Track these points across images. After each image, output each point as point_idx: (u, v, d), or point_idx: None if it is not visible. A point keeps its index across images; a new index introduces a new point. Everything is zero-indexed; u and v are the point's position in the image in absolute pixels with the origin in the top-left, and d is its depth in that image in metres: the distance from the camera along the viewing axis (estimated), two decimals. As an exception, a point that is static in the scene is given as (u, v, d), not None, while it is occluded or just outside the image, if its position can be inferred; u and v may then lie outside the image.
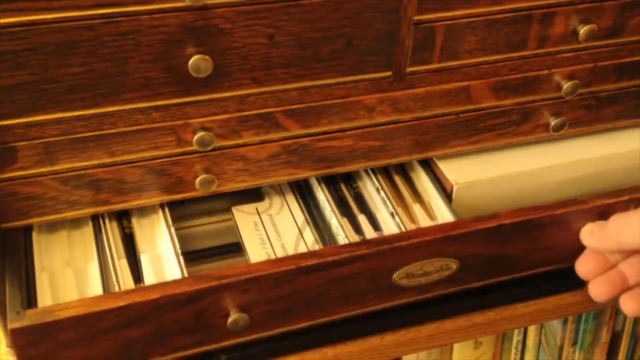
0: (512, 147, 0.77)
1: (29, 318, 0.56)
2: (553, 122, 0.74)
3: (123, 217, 0.69)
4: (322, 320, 0.66)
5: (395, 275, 0.65)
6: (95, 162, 0.62)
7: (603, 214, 0.68)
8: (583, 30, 0.68)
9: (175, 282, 0.60)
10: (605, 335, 0.94)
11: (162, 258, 0.67)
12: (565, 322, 0.91)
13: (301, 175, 0.69)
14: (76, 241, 0.68)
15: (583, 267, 0.69)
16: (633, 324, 0.94)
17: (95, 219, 0.69)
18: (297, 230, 0.71)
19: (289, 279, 0.61)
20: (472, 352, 0.90)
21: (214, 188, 0.67)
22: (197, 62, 0.58)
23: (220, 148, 0.65)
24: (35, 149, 0.59)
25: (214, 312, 0.61)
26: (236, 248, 0.70)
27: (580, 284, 0.75)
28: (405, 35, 0.63)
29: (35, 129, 0.58)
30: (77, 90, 0.57)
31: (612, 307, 0.91)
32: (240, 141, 0.65)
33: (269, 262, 0.62)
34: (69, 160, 0.61)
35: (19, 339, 0.56)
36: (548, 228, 0.68)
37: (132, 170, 0.64)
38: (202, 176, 0.65)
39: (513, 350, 0.93)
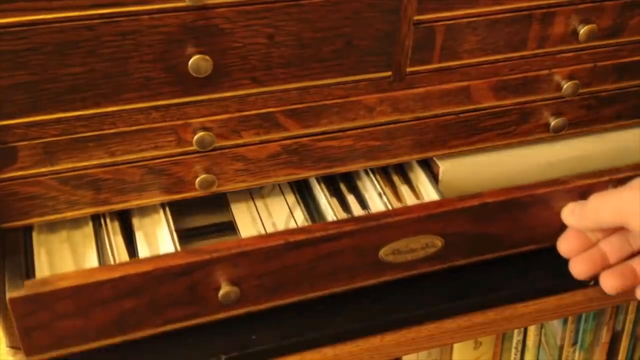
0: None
1: (27, 288, 0.58)
2: (553, 122, 0.74)
3: (124, 217, 0.69)
4: (311, 295, 0.67)
5: (381, 251, 0.66)
6: (95, 162, 0.62)
7: (584, 194, 0.69)
8: (583, 30, 0.68)
9: (168, 255, 0.62)
10: (605, 335, 0.94)
11: (157, 235, 0.68)
12: (565, 322, 0.91)
13: (301, 175, 0.70)
14: (76, 241, 0.68)
15: (564, 245, 0.70)
16: (633, 324, 0.94)
17: (96, 219, 0.69)
18: (288, 210, 0.73)
19: (278, 254, 0.63)
20: (472, 352, 0.90)
21: (214, 188, 0.67)
22: (197, 62, 0.58)
23: (221, 148, 0.65)
24: (35, 149, 0.59)
25: (205, 285, 0.62)
26: (229, 227, 0.71)
27: (580, 284, 0.75)
28: (405, 35, 0.63)
29: (35, 129, 0.59)
30: (77, 90, 0.57)
31: (612, 307, 0.91)
32: (240, 141, 0.65)
33: (258, 237, 0.63)
34: (69, 160, 0.61)
35: (18, 309, 0.58)
36: (531, 207, 0.70)
37: (132, 170, 0.64)
38: (202, 176, 0.65)
39: (513, 350, 0.93)
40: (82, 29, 0.54)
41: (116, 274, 0.59)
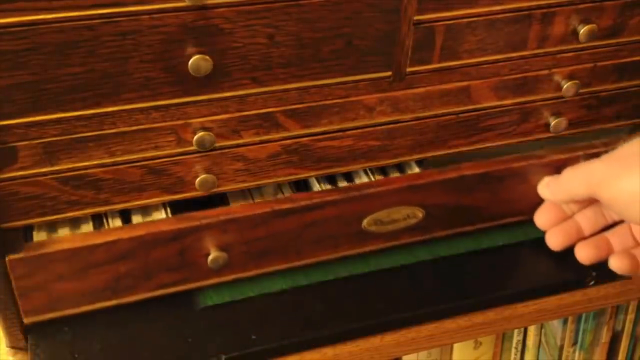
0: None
1: (26, 251, 0.61)
2: (553, 122, 0.74)
3: (125, 216, 0.69)
4: (298, 263, 0.71)
5: (364, 221, 0.69)
6: (95, 162, 0.62)
7: (559, 168, 0.71)
8: (583, 30, 0.68)
9: (159, 221, 0.65)
10: (605, 335, 0.94)
11: (151, 207, 0.69)
12: (565, 322, 0.91)
13: (301, 175, 0.69)
14: (76, 241, 0.68)
15: (541, 218, 0.74)
16: (633, 324, 0.94)
17: (97, 218, 0.69)
18: (277, 186, 0.74)
19: (264, 221, 0.66)
20: (472, 352, 0.90)
21: (214, 188, 0.67)
22: (197, 62, 0.58)
23: (221, 148, 0.65)
24: (35, 149, 0.59)
25: (195, 250, 0.66)
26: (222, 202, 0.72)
27: (580, 284, 0.75)
28: (405, 35, 0.63)
29: (35, 129, 0.59)
30: (77, 90, 0.57)
31: (612, 307, 0.91)
32: (240, 141, 0.65)
33: (246, 205, 0.67)
34: (69, 160, 0.61)
35: (17, 270, 0.61)
36: (508, 180, 0.73)
37: (132, 170, 0.64)
38: (202, 176, 0.65)
39: (513, 350, 0.93)
40: (82, 29, 0.54)
41: (110, 238, 0.63)
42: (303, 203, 0.66)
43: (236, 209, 0.66)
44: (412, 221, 0.71)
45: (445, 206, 0.72)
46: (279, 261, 0.70)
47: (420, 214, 0.70)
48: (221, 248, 0.66)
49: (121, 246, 0.63)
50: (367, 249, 0.72)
